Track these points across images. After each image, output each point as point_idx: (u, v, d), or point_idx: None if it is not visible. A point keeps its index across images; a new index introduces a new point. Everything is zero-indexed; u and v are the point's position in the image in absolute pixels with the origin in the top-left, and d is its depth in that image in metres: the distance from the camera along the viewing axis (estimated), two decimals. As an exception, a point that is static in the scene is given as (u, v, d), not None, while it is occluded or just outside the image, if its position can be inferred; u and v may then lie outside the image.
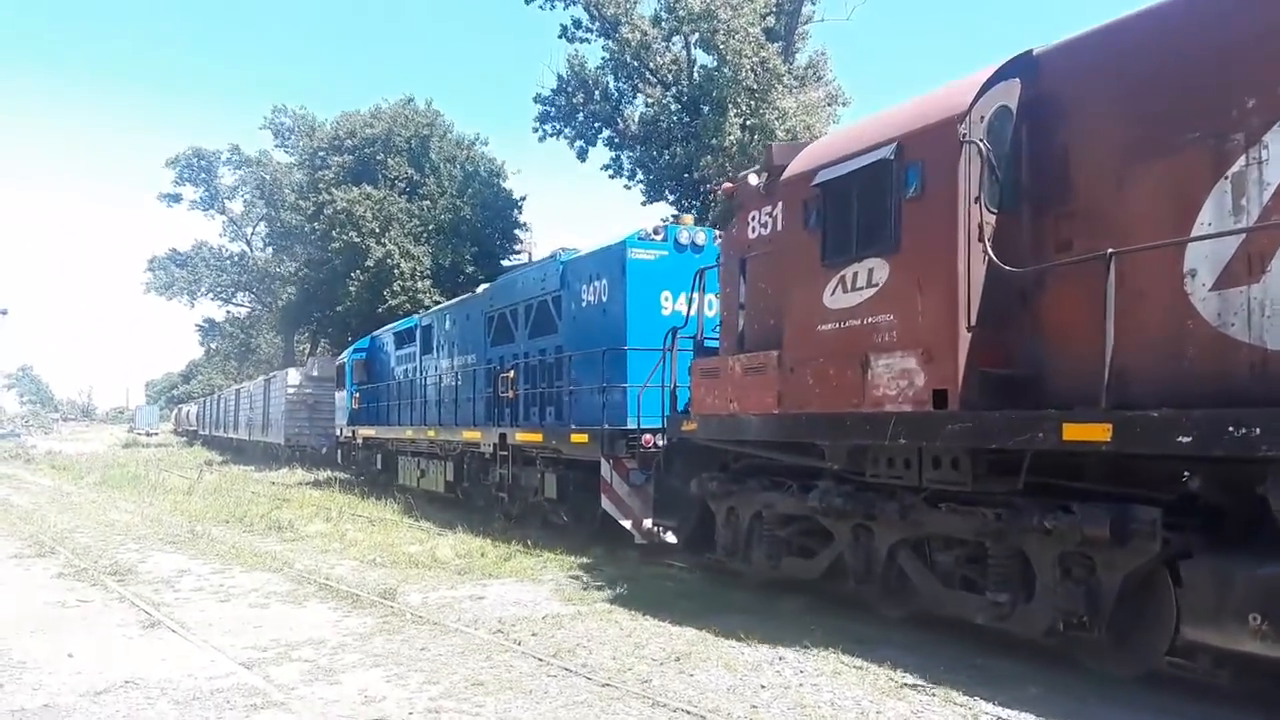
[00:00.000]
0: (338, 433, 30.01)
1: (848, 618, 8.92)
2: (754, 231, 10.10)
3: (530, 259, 36.68)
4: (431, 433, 19.82)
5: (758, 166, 10.02)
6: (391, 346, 25.68)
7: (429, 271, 35.90)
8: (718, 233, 13.08)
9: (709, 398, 10.26)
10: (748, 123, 28.59)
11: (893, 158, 7.82)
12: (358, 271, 35.89)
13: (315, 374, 37.37)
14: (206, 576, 11.96)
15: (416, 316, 25.64)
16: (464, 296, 20.67)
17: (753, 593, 10.17)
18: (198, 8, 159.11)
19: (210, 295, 69.97)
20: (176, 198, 66.13)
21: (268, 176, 59.67)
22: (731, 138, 28.33)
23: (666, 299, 13.31)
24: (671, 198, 31.46)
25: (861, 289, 8.11)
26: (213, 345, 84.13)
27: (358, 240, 36.07)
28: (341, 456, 29.73)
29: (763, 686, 6.86)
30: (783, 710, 6.35)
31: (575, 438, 13.27)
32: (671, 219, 15.79)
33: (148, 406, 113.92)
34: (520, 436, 15.36)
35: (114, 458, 45.17)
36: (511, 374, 16.16)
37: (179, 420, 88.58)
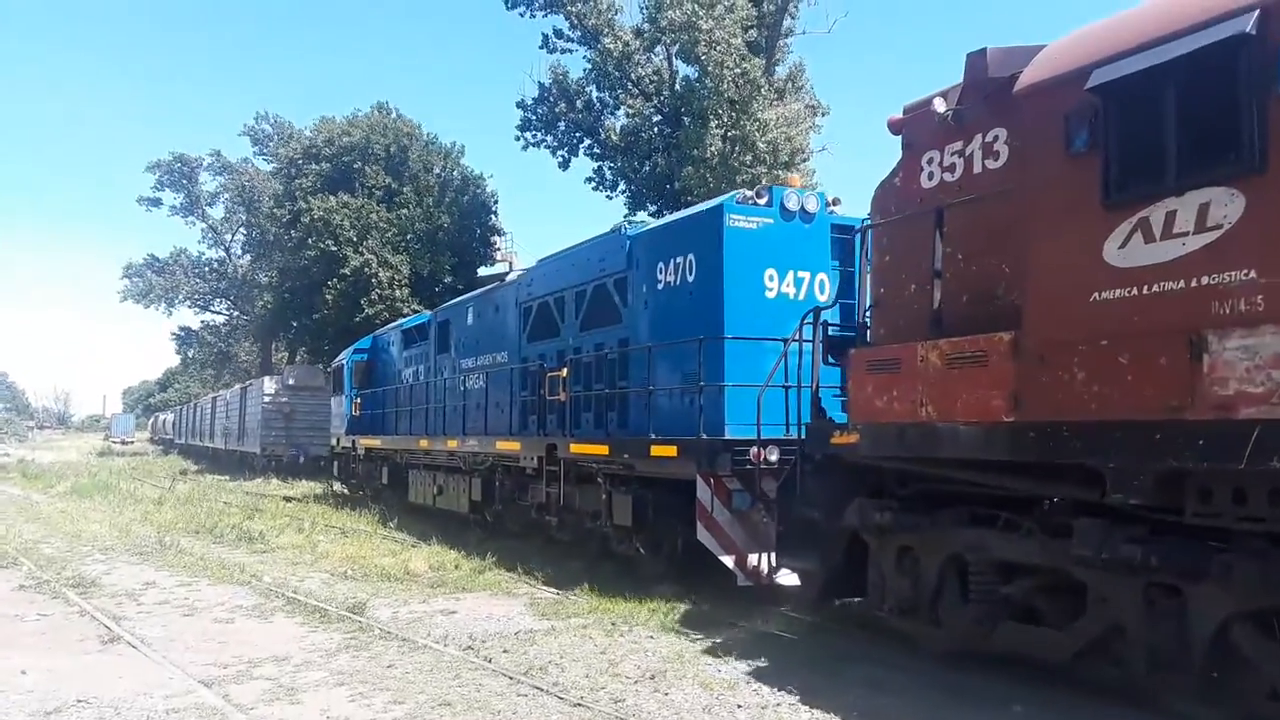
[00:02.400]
0: (333, 443, 27.08)
1: (824, 632, 8.76)
2: (943, 175, 7.58)
3: (511, 267, 36.59)
4: (452, 443, 17.07)
5: (940, 91, 7.56)
6: (398, 346, 22.89)
7: (407, 280, 35.64)
8: (830, 199, 11.26)
9: (879, 399, 7.64)
10: (729, 134, 28.52)
11: (1252, 31, 5.28)
12: (335, 280, 35.59)
13: (292, 383, 37.04)
14: (172, 589, 11.67)
15: (427, 313, 23.09)
16: (489, 286, 17.87)
17: (727, 606, 9.96)
18: (183, 11, 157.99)
19: (188, 303, 69.25)
20: (156, 202, 65.58)
21: (247, 183, 59.25)
22: (713, 149, 28.25)
23: (771, 278, 10.75)
24: (652, 209, 31.30)
25: (1185, 235, 5.57)
26: (190, 353, 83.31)
27: (334, 249, 35.79)
28: (339, 469, 26.78)
29: (739, 706, 6.67)
30: (759, 731, 6.16)
31: (658, 450, 10.73)
32: (775, 181, 12.71)
33: (124, 415, 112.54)
34: (577, 449, 12.54)
35: (87, 466, 44.49)
36: (565, 372, 13.28)
37: (155, 429, 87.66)
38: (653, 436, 10.89)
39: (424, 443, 18.67)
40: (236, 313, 69.19)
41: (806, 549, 8.72)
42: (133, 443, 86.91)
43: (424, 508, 19.05)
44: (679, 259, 11.31)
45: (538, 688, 7.07)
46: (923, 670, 7.43)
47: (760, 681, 7.23)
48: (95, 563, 13.81)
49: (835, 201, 11.35)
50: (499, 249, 42.10)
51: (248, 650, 8.43)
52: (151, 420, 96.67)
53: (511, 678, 7.37)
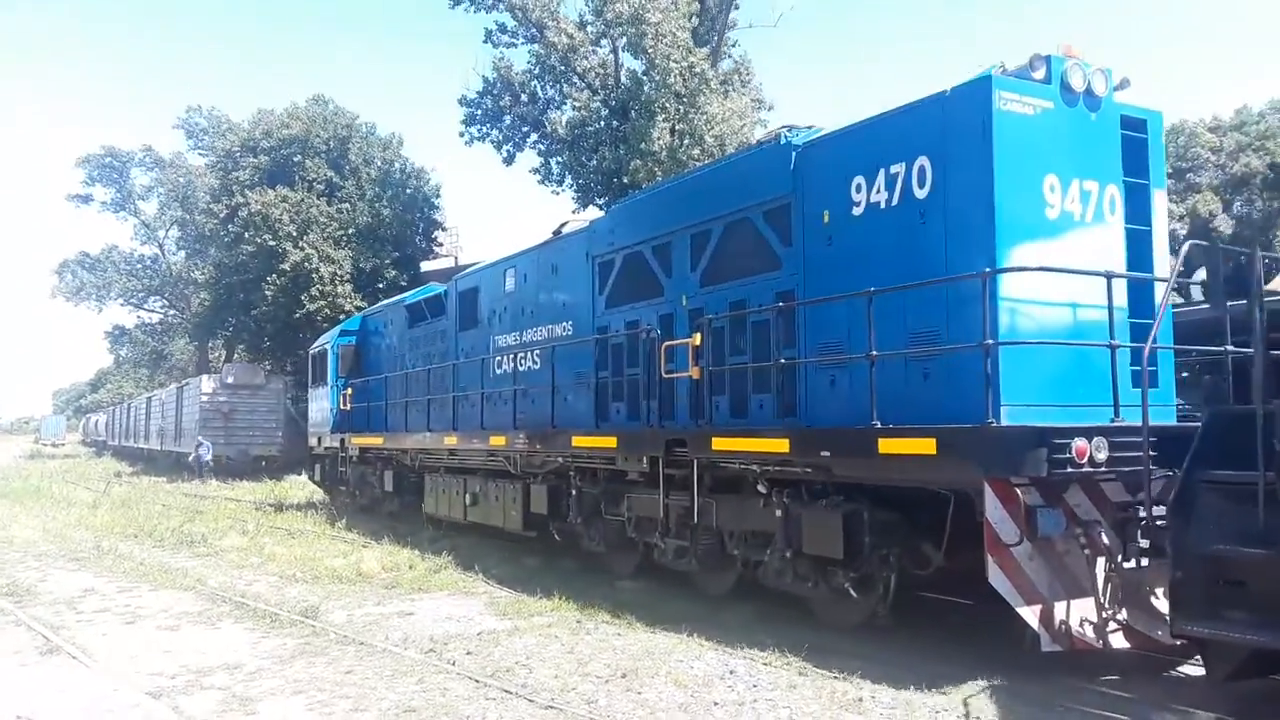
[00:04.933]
0: (313, 443, 22.83)
1: (798, 625, 8.63)
2: None
3: (456, 262, 36.12)
4: (497, 440, 13.35)
5: None
6: (399, 325, 19.02)
7: (349, 276, 34.97)
8: (1119, 78, 8.04)
9: None
10: (676, 127, 28.39)
11: None
12: (274, 276, 34.80)
13: (231, 381, 36.17)
14: (112, 596, 11.19)
15: (435, 285, 19.18)
16: (540, 242, 14.15)
17: (697, 601, 9.81)
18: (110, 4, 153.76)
19: (120, 300, 67.25)
20: (87, 199, 63.51)
21: (181, 179, 57.72)
22: (660, 142, 28.10)
23: (1052, 189, 7.56)
24: (601, 202, 31.06)
25: None
26: (122, 353, 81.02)
27: (273, 244, 35.00)
28: (322, 474, 22.64)
29: (715, 703, 6.51)
30: (738, 729, 6.00)
31: (898, 445, 7.34)
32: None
33: (54, 416, 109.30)
34: (728, 444, 9.09)
35: (17, 469, 43.05)
36: (697, 339, 9.72)
37: (87, 430, 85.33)
38: (877, 425, 7.48)
39: (451, 440, 15.07)
40: (171, 311, 67.39)
41: (1224, 606, 5.88)
42: (64, 445, 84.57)
43: (447, 521, 15.63)
44: (896, 168, 8.06)
45: (506, 690, 6.82)
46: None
47: (735, 678, 7.06)
48: (29, 569, 13.20)
49: (1123, 83, 8.09)
50: (442, 243, 41.63)
51: (196, 659, 8.05)
52: (83, 422, 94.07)
53: (478, 680, 7.12)
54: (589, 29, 32.07)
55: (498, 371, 14.49)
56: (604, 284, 12.08)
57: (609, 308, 11.95)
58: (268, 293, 35.04)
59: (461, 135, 34.70)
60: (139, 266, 66.34)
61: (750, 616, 9.13)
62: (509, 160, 34.39)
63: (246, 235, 36.17)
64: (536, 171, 34.20)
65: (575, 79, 32.70)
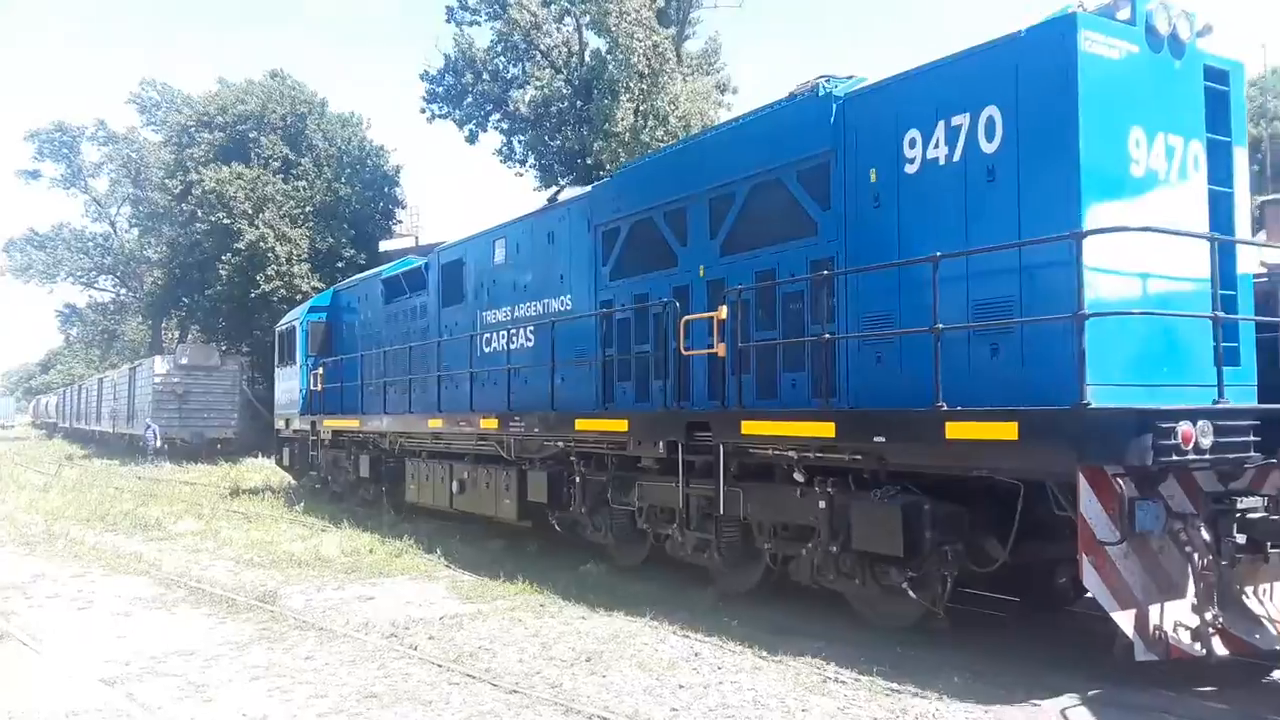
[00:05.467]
0: (280, 425, 21.74)
1: (764, 606, 8.64)
2: None
3: (417, 242, 35.70)
4: (488, 423, 12.34)
5: None
6: (375, 301, 18.01)
7: (306, 255, 34.45)
8: (1202, 24, 7.24)
9: None
10: (640, 107, 28.24)
11: None
12: (229, 255, 34.17)
13: (185, 362, 35.55)
14: (64, 581, 10.94)
15: (412, 258, 18.27)
16: (531, 210, 13.47)
17: (662, 583, 9.78)
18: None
19: (71, 279, 65.86)
20: (35, 174, 62.01)
21: (134, 155, 56.50)
22: (624, 123, 27.94)
23: (1137, 144, 6.79)
24: (565, 182, 30.85)
25: None
26: (73, 333, 79.41)
27: (228, 222, 34.34)
28: (290, 459, 21.57)
29: (681, 686, 6.47)
30: (704, 711, 5.98)
31: (970, 429, 6.52)
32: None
33: (2, 398, 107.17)
34: (760, 427, 8.23)
35: (-39, 453, 42.09)
36: (722, 313, 8.71)
37: (37, 412, 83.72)
38: (943, 406, 6.64)
39: (435, 423, 13.97)
40: (123, 290, 66.09)
41: None
42: (13, 427, 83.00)
43: (431, 510, 14.71)
44: (958, 119, 7.25)
45: (469, 675, 6.74)
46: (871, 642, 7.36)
47: (700, 660, 7.04)
48: (-24, 555, 12.90)
49: (1205, 30, 7.31)
50: (402, 222, 41.14)
51: (151, 645, 7.87)
52: (33, 403, 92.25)
53: (440, 665, 7.03)
54: (552, 7, 31.79)
55: (486, 350, 13.59)
56: (608, 254, 11.19)
57: (614, 279, 11.06)
58: (222, 272, 34.40)
59: (423, 112, 34.31)
60: (90, 244, 64.99)
61: (718, 599, 9.11)
62: (472, 139, 34.07)
63: (200, 213, 35.48)
64: (500, 152, 33.96)
65: (538, 57, 32.44)
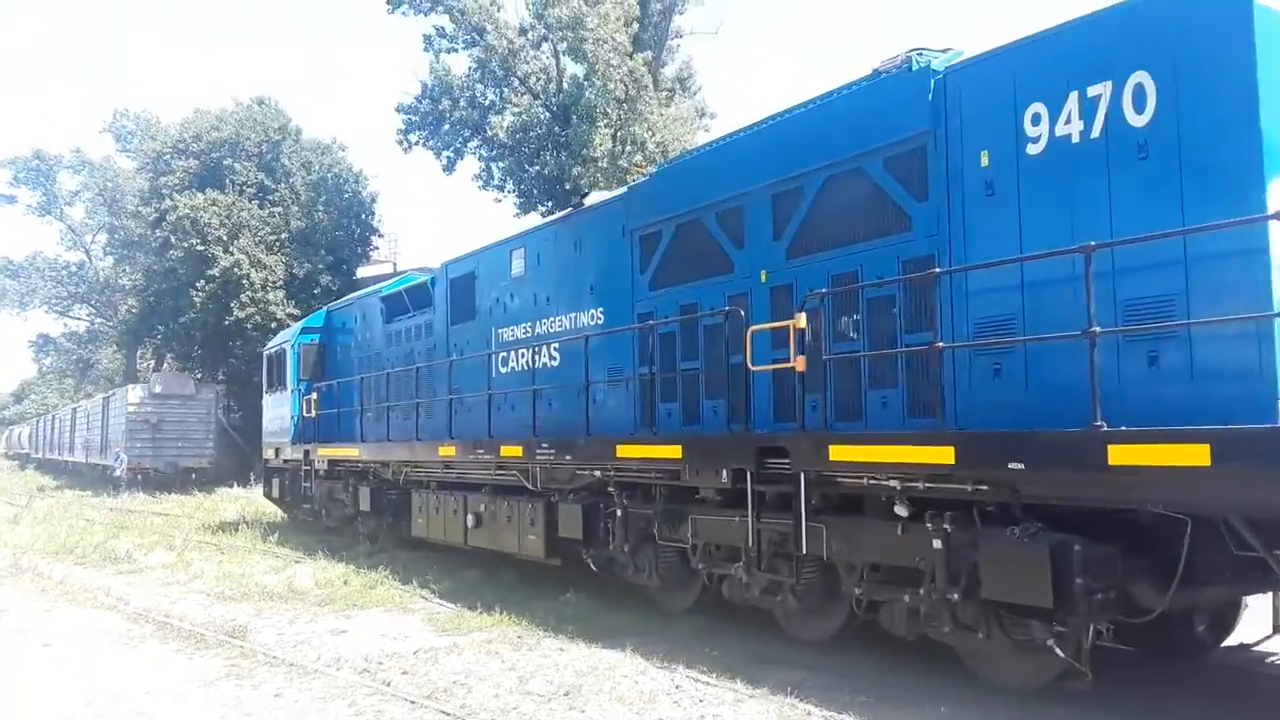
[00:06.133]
0: (269, 455, 20.26)
1: (746, 636, 8.47)
2: None
3: (395, 269, 35.48)
4: (509, 450, 11.16)
5: None
6: (374, 320, 16.94)
7: (281, 282, 34.16)
8: None
9: None
10: (618, 133, 28.26)
11: None
12: (203, 282, 33.83)
13: (159, 390, 35.09)
14: (28, 616, 10.66)
15: (414, 273, 16.90)
16: (553, 217, 12.83)
17: (642, 613, 9.60)
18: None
19: (45, 308, 65.26)
20: (11, 199, 61.54)
21: (110, 182, 56.18)
22: (602, 148, 27.94)
23: None
24: (543, 209, 30.78)
25: None
26: (47, 362, 78.58)
27: (202, 248, 34.02)
28: (280, 490, 20.09)
29: (661, 720, 6.30)
30: (686, 748, 5.80)
31: (1150, 454, 5.40)
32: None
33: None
34: (859, 453, 7.01)
35: (-70, 485, 41.36)
36: (802, 320, 7.45)
37: (9, 443, 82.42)
38: (1102, 426, 5.52)
39: (447, 450, 12.70)
40: (98, 318, 65.53)
41: None
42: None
43: (440, 545, 13.57)
44: (1096, 89, 6.24)
45: (444, 712, 6.54)
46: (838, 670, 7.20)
47: (681, 693, 6.87)
48: (-62, 591, 12.55)
49: None
50: (379, 249, 40.96)
51: (114, 683, 7.62)
52: (5, 434, 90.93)
53: (414, 702, 6.82)
54: (529, 34, 31.84)
55: (503, 370, 12.51)
56: (647, 261, 10.18)
57: (654, 289, 10.05)
58: (197, 299, 34.03)
59: (400, 144, 34.17)
60: (65, 273, 64.55)
61: (700, 627, 8.93)
62: (449, 168, 33.91)
63: (175, 239, 35.15)
64: (478, 178, 33.86)
65: (516, 83, 32.42)
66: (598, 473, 9.98)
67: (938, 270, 6.91)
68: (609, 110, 27.96)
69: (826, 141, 8.09)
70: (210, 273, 33.70)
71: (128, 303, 47.79)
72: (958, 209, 7.07)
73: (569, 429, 10.61)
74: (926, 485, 6.60)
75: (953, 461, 6.25)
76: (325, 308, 20.02)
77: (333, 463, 16.73)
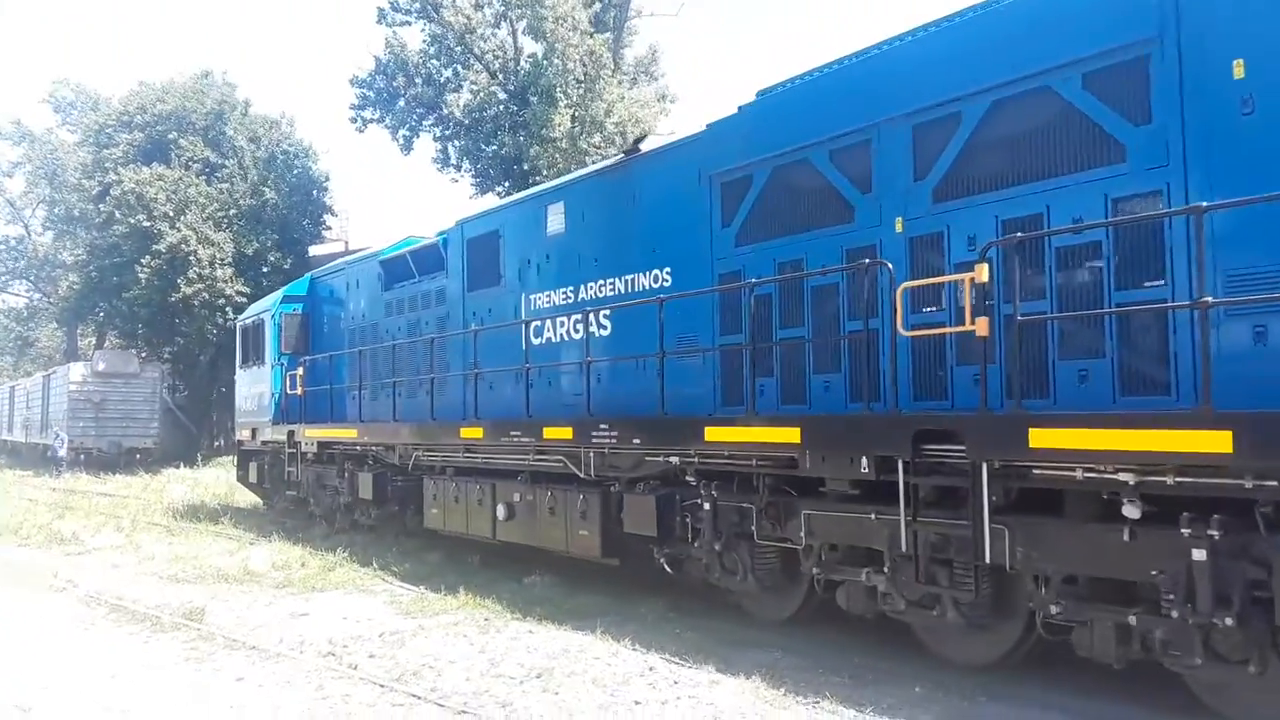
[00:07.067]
0: (244, 436, 18.31)
1: (717, 618, 8.44)
2: None
3: (347, 247, 34.83)
4: (558, 432, 9.67)
5: None
6: (369, 286, 15.19)
7: (230, 259, 33.44)
8: None
9: None
10: (577, 114, 27.99)
11: None
12: (148, 258, 32.97)
13: (102, 368, 34.26)
14: (-30, 601, 10.31)
15: (421, 236, 14.68)
16: (600, 165, 11.71)
17: (610, 595, 9.52)
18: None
19: (-20, 284, 63.32)
20: (-55, 174, 59.44)
21: (50, 155, 54.49)
22: (561, 128, 27.66)
23: None
24: (501, 189, 30.44)
25: None
26: (-17, 339, 76.33)
27: (148, 224, 33.15)
28: (258, 475, 18.06)
29: (637, 702, 6.24)
30: (664, 730, 5.74)
31: None
32: None
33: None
34: (1076, 439, 5.49)
35: None
36: (983, 272, 5.92)
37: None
38: None
39: (471, 432, 11.13)
40: (38, 294, 63.71)
41: None
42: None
43: (463, 539, 11.98)
44: None
45: (414, 695, 6.41)
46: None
47: (655, 674, 6.81)
48: (-127, 573, 12.11)
49: None
50: (330, 227, 40.25)
51: (67, 668, 7.39)
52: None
53: (382, 685, 6.68)
54: (487, 10, 31.43)
55: (535, 341, 10.90)
56: (731, 213, 8.65)
57: (741, 244, 8.54)
58: (142, 275, 33.13)
59: (353, 121, 33.57)
60: (2, 248, 62.62)
61: (665, 608, 8.88)
62: (406, 147, 33.40)
63: (119, 214, 34.19)
64: (436, 160, 33.43)
65: (473, 61, 31.98)
66: (675, 459, 8.47)
67: (1175, 209, 5.53)
68: (568, 90, 27.69)
69: (995, 56, 6.63)
70: (156, 248, 32.84)
71: (69, 279, 46.45)
72: (1198, 134, 5.63)
73: (630, 406, 9.27)
74: (1175, 479, 5.24)
75: (1229, 450, 4.82)
76: (309, 275, 17.94)
77: (323, 445, 15.01)
